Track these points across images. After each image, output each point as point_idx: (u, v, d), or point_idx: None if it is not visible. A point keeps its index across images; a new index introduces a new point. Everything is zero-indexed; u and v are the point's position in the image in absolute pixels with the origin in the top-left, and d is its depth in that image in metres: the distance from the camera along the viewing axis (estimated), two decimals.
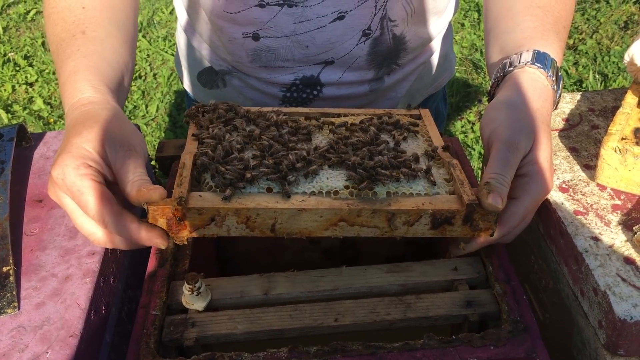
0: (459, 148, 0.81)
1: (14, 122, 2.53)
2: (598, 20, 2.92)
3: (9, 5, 3.32)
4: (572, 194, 0.69)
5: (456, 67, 2.67)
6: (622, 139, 0.68)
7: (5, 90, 2.71)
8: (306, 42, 0.88)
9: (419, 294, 0.62)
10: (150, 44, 2.98)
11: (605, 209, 0.67)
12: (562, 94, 0.78)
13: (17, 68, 2.85)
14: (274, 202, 0.59)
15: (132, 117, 2.57)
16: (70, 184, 0.57)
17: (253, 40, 0.89)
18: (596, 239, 0.63)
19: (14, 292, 0.61)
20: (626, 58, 0.75)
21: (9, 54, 2.93)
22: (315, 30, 0.87)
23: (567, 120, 0.81)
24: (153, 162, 0.88)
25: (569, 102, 0.85)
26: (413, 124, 0.75)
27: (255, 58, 0.92)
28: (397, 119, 0.75)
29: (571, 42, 2.81)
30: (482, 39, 2.84)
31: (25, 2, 3.33)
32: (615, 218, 0.66)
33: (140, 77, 2.80)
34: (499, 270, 0.64)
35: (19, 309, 0.60)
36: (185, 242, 0.60)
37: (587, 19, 2.94)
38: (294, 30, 0.87)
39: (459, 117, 2.51)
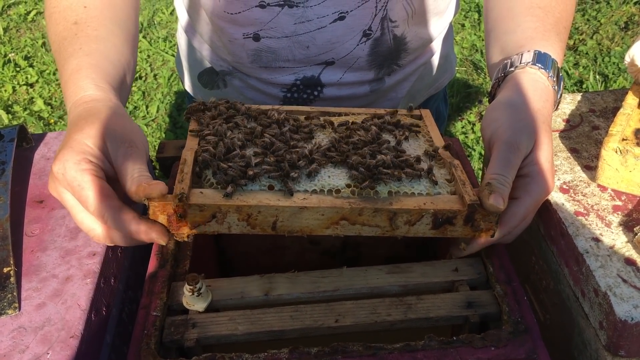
0: (460, 149, 0.81)
1: (15, 122, 2.53)
2: (598, 21, 2.92)
3: (9, 6, 3.32)
4: (572, 194, 0.69)
5: (457, 68, 2.67)
6: (623, 139, 0.68)
7: (5, 90, 2.71)
8: (307, 42, 0.88)
9: (420, 295, 0.62)
10: (151, 45, 2.98)
11: (606, 210, 0.67)
12: (563, 94, 0.78)
13: (18, 69, 2.85)
14: (276, 200, 0.58)
15: (133, 118, 2.56)
16: (71, 179, 0.56)
17: (254, 40, 0.89)
18: (597, 239, 0.63)
19: (14, 293, 0.61)
20: (627, 59, 0.75)
21: (10, 55, 2.93)
22: (316, 31, 0.87)
23: (567, 121, 0.81)
24: (154, 163, 0.87)
25: (570, 102, 0.85)
26: (414, 124, 0.75)
27: (255, 58, 0.92)
28: (398, 119, 0.75)
29: (571, 42, 2.81)
30: (483, 40, 2.84)
31: (25, 2, 3.33)
32: (616, 219, 0.66)
33: (140, 77, 2.80)
34: (500, 271, 0.64)
35: (19, 309, 0.60)
36: (186, 239, 0.59)
37: (588, 20, 2.94)
38: (295, 30, 0.87)
39: (459, 118, 2.51)
